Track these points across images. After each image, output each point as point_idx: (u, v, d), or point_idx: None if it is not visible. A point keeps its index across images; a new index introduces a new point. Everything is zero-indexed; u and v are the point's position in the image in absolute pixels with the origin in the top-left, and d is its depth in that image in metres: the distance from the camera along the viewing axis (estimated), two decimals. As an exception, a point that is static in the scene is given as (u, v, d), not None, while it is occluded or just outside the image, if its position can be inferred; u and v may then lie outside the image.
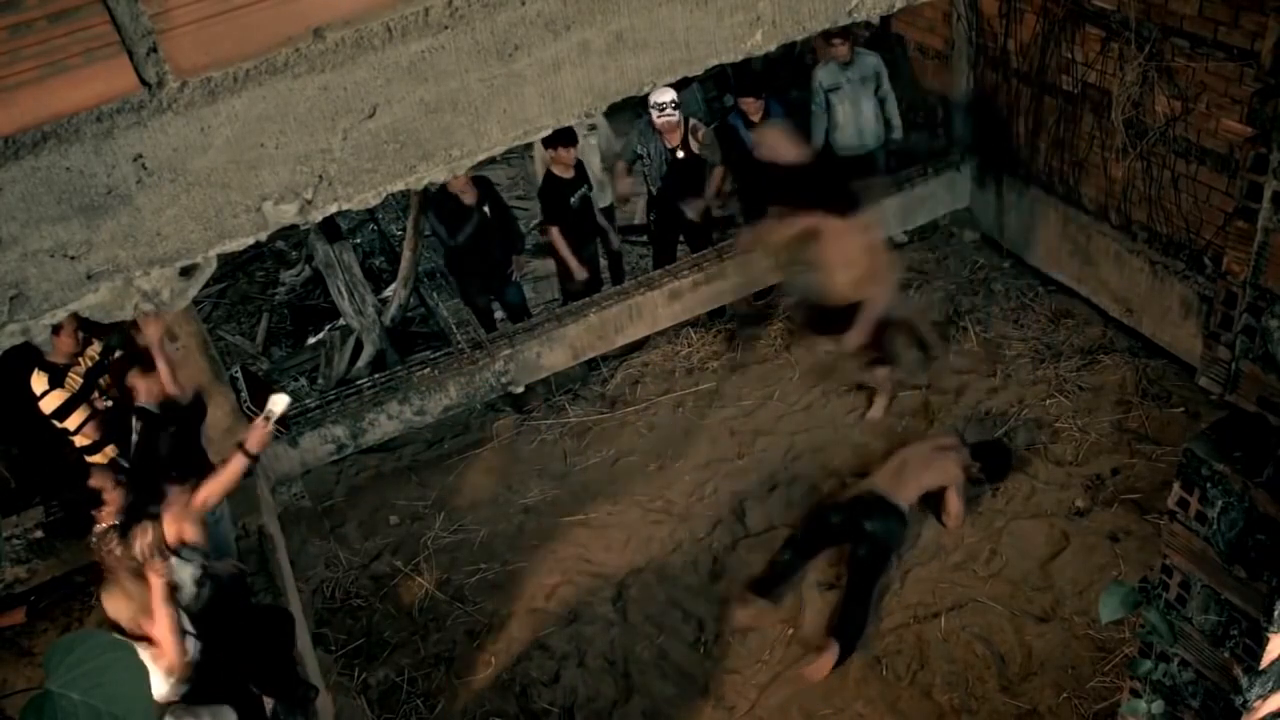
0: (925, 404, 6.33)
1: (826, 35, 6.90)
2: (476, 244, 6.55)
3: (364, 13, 1.30)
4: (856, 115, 7.14)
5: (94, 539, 4.18)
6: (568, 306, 6.83)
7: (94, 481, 4.26)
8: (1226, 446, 2.22)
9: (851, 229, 5.60)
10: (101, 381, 5.17)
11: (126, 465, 4.76)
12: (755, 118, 7.03)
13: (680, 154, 6.77)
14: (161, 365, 4.78)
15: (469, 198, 6.41)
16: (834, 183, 6.10)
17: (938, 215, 7.66)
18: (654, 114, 6.64)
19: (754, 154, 6.67)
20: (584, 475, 6.23)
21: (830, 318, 5.88)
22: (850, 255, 5.62)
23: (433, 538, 5.93)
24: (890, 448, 5.87)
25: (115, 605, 3.66)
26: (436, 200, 6.58)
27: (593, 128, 7.27)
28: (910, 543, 5.48)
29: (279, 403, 4.26)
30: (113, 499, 4.27)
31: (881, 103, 7.16)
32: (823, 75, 7.09)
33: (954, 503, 5.44)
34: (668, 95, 6.56)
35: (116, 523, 4.18)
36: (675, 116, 6.62)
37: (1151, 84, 5.63)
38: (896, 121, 7.27)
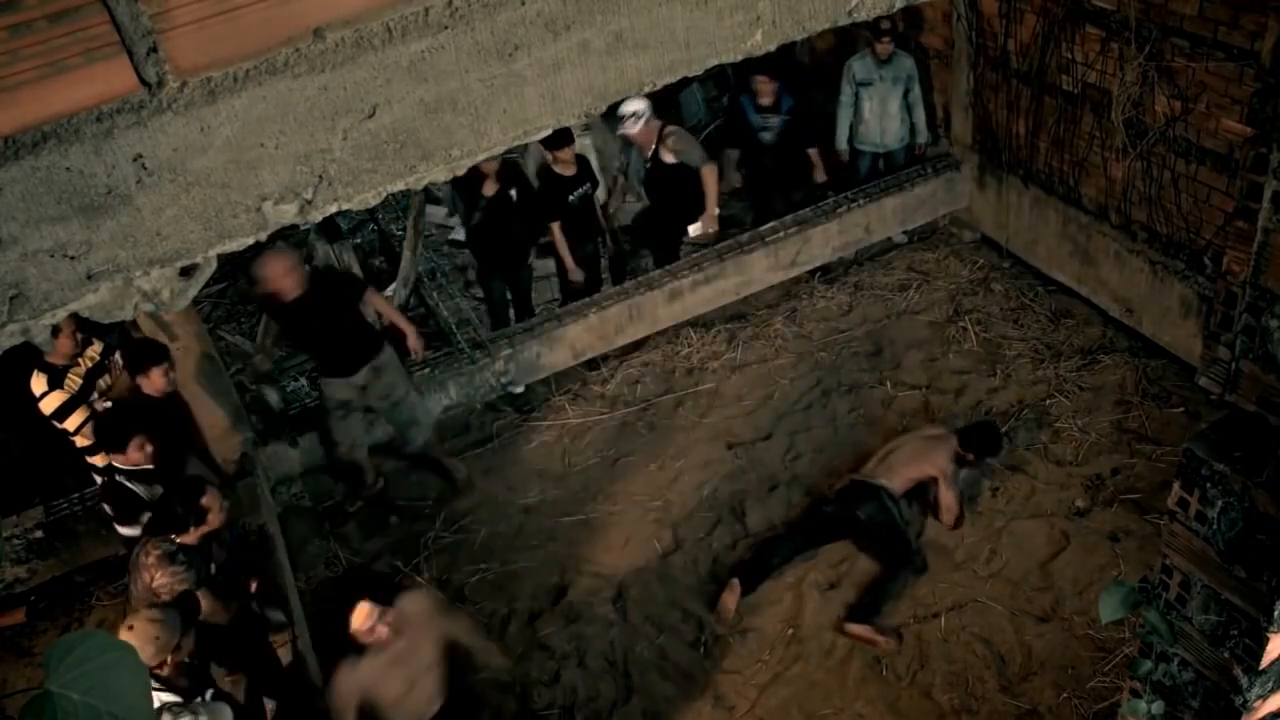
0: (925, 404, 6.33)
1: (875, 31, 6.90)
2: (492, 226, 6.51)
3: (364, 13, 1.30)
4: (882, 114, 7.15)
5: (151, 542, 4.12)
6: (568, 306, 6.83)
7: (206, 500, 4.24)
8: (1226, 446, 2.22)
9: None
10: (101, 383, 5.17)
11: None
12: (766, 100, 6.94)
13: (651, 163, 6.73)
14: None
15: (489, 187, 6.36)
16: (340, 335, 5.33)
17: (938, 215, 7.66)
18: (621, 125, 6.60)
19: (762, 138, 6.53)
20: (584, 475, 6.23)
21: None
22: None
23: (433, 538, 5.93)
24: (890, 447, 5.88)
25: (139, 641, 3.50)
26: (462, 178, 6.57)
27: (587, 127, 7.27)
28: (917, 533, 5.49)
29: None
30: (213, 521, 4.27)
31: (910, 107, 7.18)
32: (857, 67, 7.10)
33: (945, 495, 5.41)
34: (631, 105, 6.46)
35: (186, 543, 4.15)
36: (637, 127, 6.54)
37: (1151, 84, 5.63)
38: (922, 126, 7.30)
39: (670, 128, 6.77)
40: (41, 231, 1.24)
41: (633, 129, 6.52)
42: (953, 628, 5.04)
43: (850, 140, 7.37)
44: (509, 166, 6.51)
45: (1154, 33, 5.49)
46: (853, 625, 4.99)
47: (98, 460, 5.13)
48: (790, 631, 5.16)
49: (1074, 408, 6.07)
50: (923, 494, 5.57)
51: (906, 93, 7.12)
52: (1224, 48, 5.18)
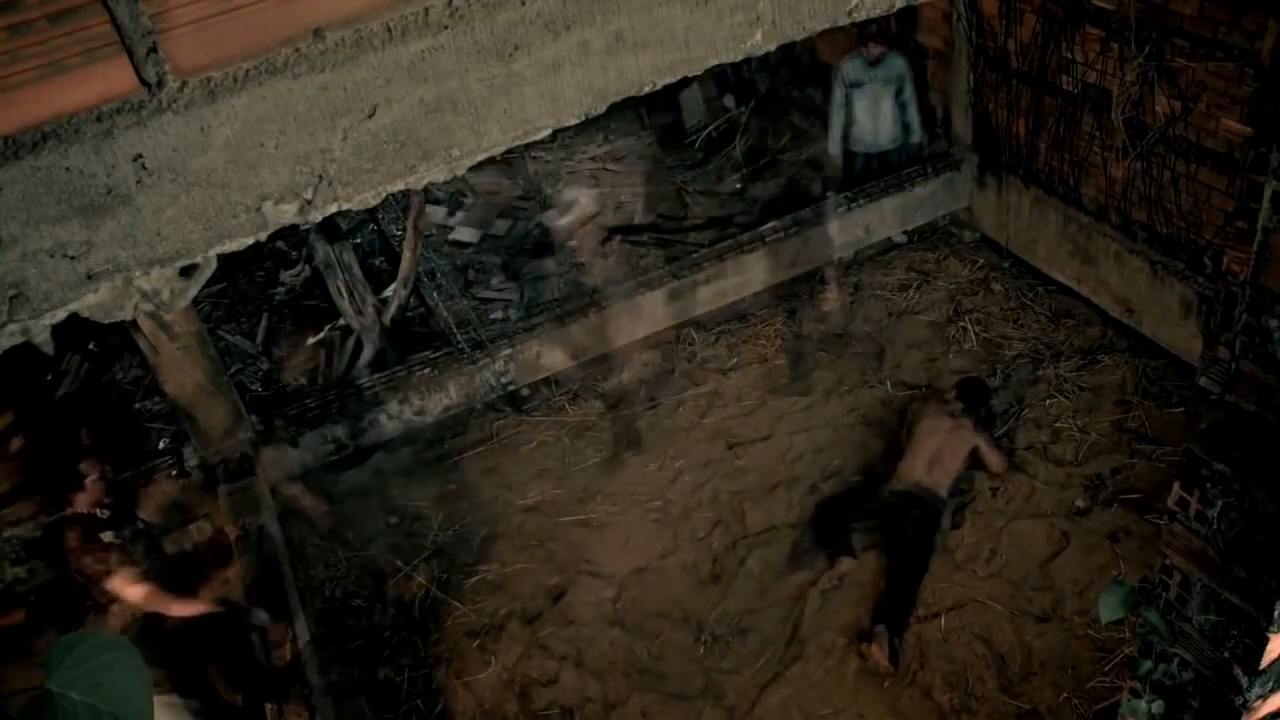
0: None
1: (863, 35, 6.90)
2: None
3: (364, 13, 1.30)
4: (875, 115, 7.15)
5: (61, 519, 4.14)
6: (567, 306, 6.82)
7: (83, 466, 4.22)
8: (1226, 446, 2.22)
9: None
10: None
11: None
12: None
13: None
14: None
15: None
16: None
17: (938, 215, 7.66)
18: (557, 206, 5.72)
19: None
20: (584, 475, 6.23)
21: None
22: None
23: (433, 538, 5.93)
24: (891, 446, 5.87)
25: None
26: None
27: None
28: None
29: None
30: (93, 491, 4.24)
31: (903, 107, 7.17)
32: (848, 69, 7.10)
33: (990, 458, 5.64)
34: (569, 193, 5.55)
35: (82, 512, 4.15)
36: (567, 219, 5.54)
37: (1151, 84, 5.63)
38: (917, 126, 7.29)
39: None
40: (41, 231, 1.24)
41: (563, 220, 5.53)
42: (953, 628, 5.04)
43: (844, 142, 7.37)
44: None
45: (1154, 33, 5.49)
46: (866, 647, 4.98)
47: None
48: (790, 631, 5.16)
49: (1074, 408, 6.07)
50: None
51: (899, 93, 7.12)
52: (1224, 48, 5.17)
